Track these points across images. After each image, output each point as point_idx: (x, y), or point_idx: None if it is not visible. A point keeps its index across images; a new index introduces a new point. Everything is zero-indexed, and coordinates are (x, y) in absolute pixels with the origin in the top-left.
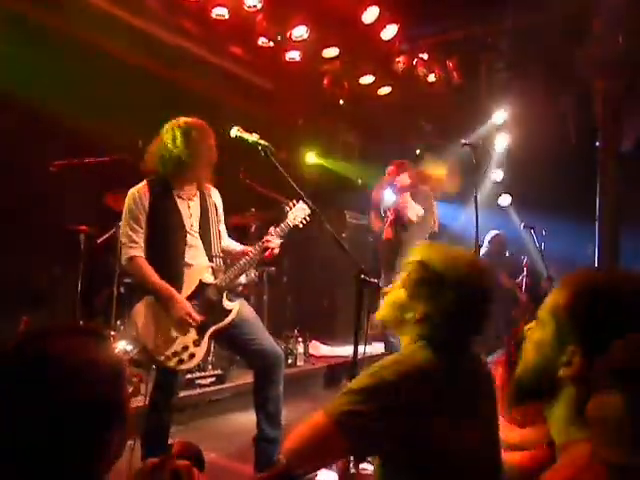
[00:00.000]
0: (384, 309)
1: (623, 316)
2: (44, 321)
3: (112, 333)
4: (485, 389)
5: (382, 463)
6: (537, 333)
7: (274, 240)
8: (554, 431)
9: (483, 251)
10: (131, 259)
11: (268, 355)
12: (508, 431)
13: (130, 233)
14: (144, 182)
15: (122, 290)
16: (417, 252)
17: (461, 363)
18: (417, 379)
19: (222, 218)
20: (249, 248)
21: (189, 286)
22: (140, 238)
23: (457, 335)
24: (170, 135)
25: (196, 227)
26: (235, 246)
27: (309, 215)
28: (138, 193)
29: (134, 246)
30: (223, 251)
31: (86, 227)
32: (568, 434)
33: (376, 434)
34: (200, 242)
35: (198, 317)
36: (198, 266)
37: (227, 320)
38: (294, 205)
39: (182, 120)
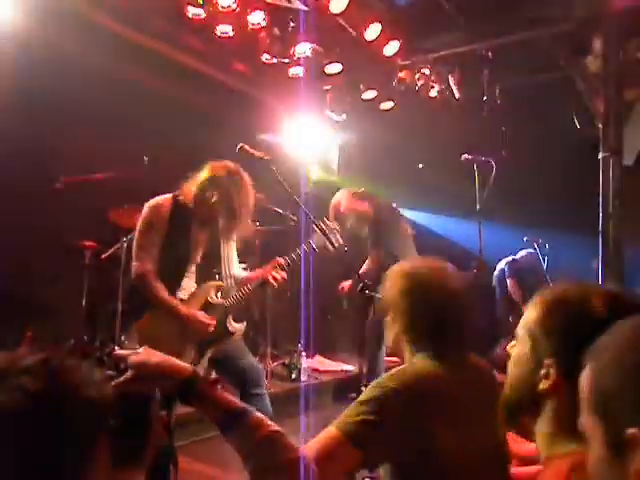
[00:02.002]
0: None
1: (594, 326)
2: (48, 335)
3: (116, 349)
4: (487, 398)
5: (391, 472)
6: (516, 350)
7: (280, 273)
8: (539, 445)
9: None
10: (142, 275)
11: (251, 371)
12: (518, 444)
13: (144, 244)
14: (169, 196)
15: (126, 305)
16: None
17: (460, 372)
18: (419, 388)
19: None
20: (254, 273)
21: (197, 304)
22: (153, 250)
23: (438, 343)
24: (206, 175)
25: (200, 256)
26: (244, 273)
27: (337, 241)
28: (161, 205)
29: (146, 259)
30: (236, 281)
31: (91, 242)
32: (550, 448)
33: (386, 443)
34: (195, 275)
35: (209, 319)
36: (198, 289)
37: (229, 342)
38: (326, 226)
39: (223, 165)
